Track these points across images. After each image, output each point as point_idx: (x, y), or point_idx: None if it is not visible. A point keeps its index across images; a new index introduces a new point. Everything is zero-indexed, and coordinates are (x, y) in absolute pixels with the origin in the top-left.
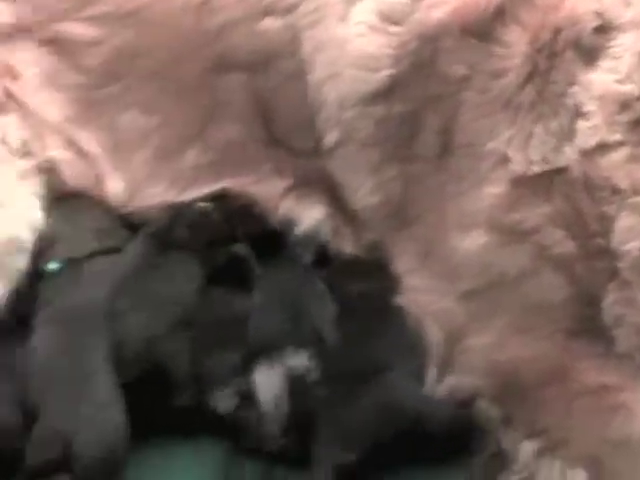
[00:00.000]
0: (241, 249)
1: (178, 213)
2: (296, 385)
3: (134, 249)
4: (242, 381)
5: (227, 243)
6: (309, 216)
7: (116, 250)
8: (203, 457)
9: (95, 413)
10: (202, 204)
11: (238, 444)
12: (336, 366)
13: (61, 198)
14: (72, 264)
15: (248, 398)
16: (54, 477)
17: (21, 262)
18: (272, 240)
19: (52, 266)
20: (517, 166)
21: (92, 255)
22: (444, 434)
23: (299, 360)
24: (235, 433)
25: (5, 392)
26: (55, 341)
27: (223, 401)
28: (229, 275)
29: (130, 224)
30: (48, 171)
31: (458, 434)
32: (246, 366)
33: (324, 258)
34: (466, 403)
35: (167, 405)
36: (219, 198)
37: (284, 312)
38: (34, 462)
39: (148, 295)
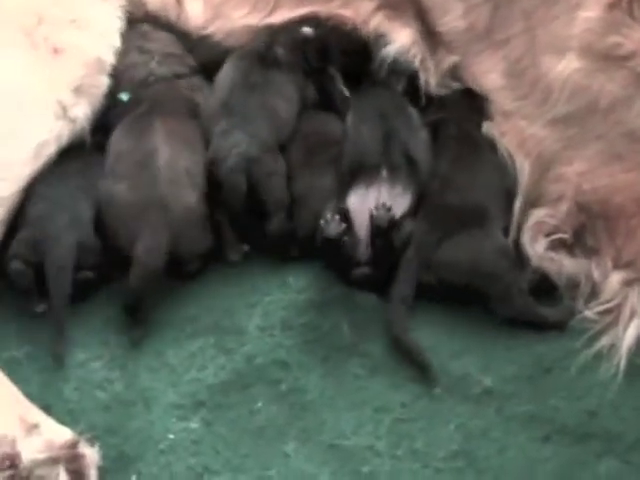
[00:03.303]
0: (330, 70)
1: (278, 33)
2: (382, 233)
3: (232, 66)
4: (338, 204)
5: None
6: (398, 37)
7: (185, 75)
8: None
9: (159, 216)
10: (304, 28)
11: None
12: (434, 203)
13: (133, 23)
14: (141, 89)
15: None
16: None
17: (104, 82)
18: (364, 58)
19: (124, 96)
20: None
21: (160, 80)
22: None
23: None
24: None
25: (87, 215)
26: (126, 131)
27: (330, 225)
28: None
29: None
30: None
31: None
32: (341, 188)
33: (414, 89)
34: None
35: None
36: (310, 21)
37: (375, 132)
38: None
39: (248, 114)
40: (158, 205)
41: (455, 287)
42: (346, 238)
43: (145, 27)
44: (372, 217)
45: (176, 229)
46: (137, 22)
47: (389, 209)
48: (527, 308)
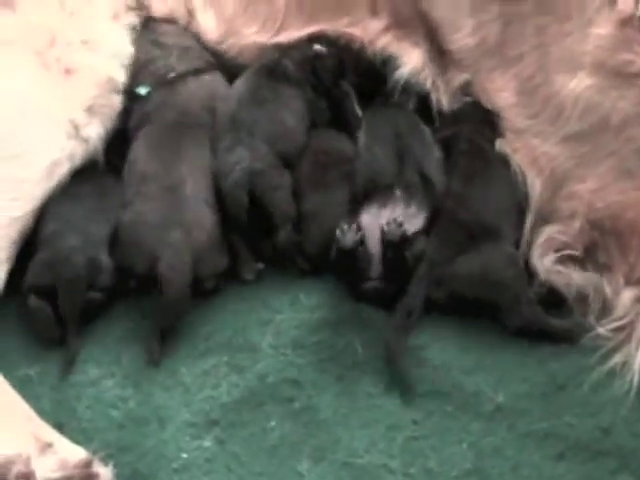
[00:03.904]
0: (344, 85)
1: (289, 49)
2: (393, 248)
3: (243, 80)
4: (350, 220)
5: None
6: (409, 58)
7: (205, 70)
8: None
9: (182, 238)
10: (316, 45)
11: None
12: (446, 221)
13: (147, 24)
14: (163, 85)
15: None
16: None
17: (116, 102)
18: (378, 78)
19: (142, 90)
20: (625, 6)
21: (182, 77)
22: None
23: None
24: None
25: (102, 236)
26: (152, 150)
27: (347, 235)
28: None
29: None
30: (139, 8)
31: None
32: (354, 206)
33: (426, 108)
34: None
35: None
36: (322, 39)
37: (389, 152)
38: (123, 265)
39: (253, 129)
40: (182, 228)
41: (465, 299)
42: (360, 248)
43: (152, 23)
44: (383, 232)
45: (197, 251)
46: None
47: (400, 224)
48: (536, 317)
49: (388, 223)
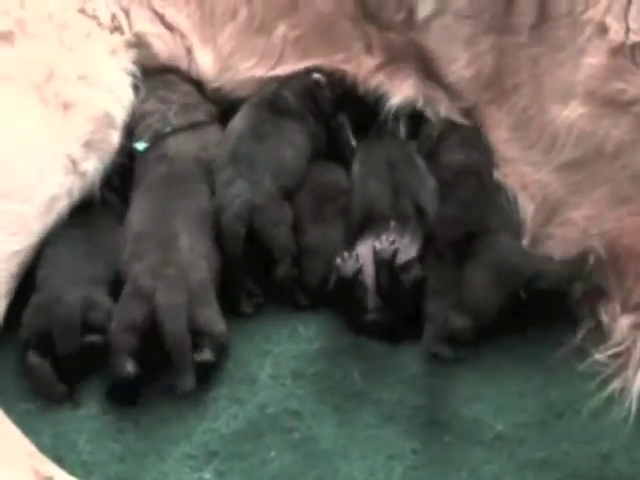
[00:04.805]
0: (340, 117)
1: (288, 80)
2: (386, 267)
3: (243, 114)
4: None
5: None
6: (400, 90)
7: (202, 124)
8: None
9: (177, 274)
10: (315, 74)
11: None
12: (441, 235)
13: (150, 75)
14: (157, 140)
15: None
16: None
17: (114, 138)
18: (366, 113)
19: (140, 146)
20: (616, 35)
21: (176, 131)
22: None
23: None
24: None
25: (96, 276)
26: (146, 211)
27: (347, 263)
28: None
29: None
30: (138, 45)
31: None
32: (350, 239)
33: (419, 123)
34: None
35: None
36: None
37: (384, 184)
38: (120, 318)
39: (254, 163)
40: (175, 268)
41: (490, 314)
42: (360, 276)
43: (171, 77)
44: (375, 252)
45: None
46: (153, 74)
47: (393, 242)
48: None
49: (380, 242)
